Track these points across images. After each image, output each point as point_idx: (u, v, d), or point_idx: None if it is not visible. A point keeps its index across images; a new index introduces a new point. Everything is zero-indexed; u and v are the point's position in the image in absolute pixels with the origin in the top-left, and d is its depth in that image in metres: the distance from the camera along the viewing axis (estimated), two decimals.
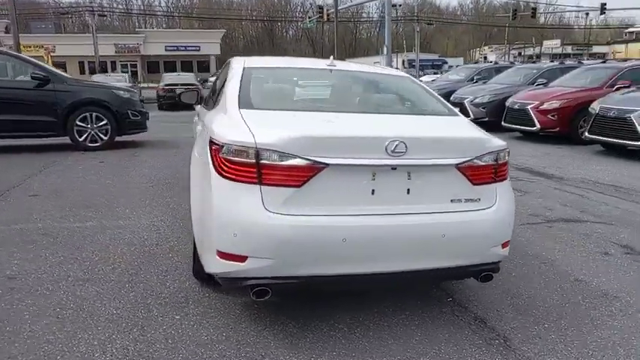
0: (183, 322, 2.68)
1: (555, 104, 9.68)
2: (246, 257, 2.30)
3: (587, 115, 8.77)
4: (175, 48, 50.59)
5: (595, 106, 8.44)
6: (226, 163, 2.34)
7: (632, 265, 3.66)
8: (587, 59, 52.13)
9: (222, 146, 2.36)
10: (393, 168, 2.35)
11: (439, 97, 3.28)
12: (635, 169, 7.31)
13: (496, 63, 16.87)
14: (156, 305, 2.86)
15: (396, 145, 2.31)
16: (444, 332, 2.67)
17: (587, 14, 53.76)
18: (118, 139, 8.62)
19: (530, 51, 60.97)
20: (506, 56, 64.65)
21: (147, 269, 3.38)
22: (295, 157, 2.26)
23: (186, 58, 51.23)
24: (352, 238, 2.29)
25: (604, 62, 12.67)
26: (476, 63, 68.54)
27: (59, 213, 4.62)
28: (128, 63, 48.38)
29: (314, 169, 2.27)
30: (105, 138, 8.42)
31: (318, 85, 3.38)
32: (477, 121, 8.28)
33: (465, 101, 11.71)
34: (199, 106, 4.94)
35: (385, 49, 28.03)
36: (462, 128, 2.75)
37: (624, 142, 7.84)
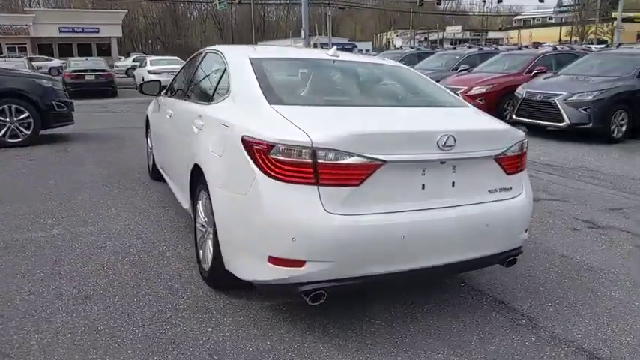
0: (219, 335, 2.50)
1: (482, 89, 10.31)
2: (305, 261, 2.20)
3: (512, 99, 9.47)
4: (71, 30, 46.22)
5: (521, 91, 9.13)
6: (278, 165, 2.21)
7: (600, 238, 4.04)
8: (485, 44, 55.88)
9: (273, 146, 2.21)
10: (442, 162, 2.36)
11: (442, 86, 3.35)
12: (560, 148, 8.03)
13: (481, 49, 14.88)
14: (179, 319, 2.64)
15: (447, 140, 2.32)
16: (473, 318, 2.77)
17: (484, 1, 57.67)
18: (42, 132, 7.76)
19: (434, 36, 64.19)
20: (412, 41, 67.56)
21: (148, 279, 3.10)
22: (353, 155, 2.19)
23: (83, 40, 47.03)
24: (410, 235, 2.28)
25: (519, 49, 13.67)
26: (387, 48, 70.78)
27: (13, 222, 4.08)
28: (16, 46, 43.41)
29: (372, 166, 2.22)
30: (27, 132, 7.54)
31: (333, 78, 3.27)
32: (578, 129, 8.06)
33: (557, 99, 8.37)
34: (164, 97, 4.60)
35: (302, 32, 27.98)
36: (490, 120, 2.82)
37: (549, 123, 8.58)
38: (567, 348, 2.48)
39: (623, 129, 8.32)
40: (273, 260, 2.24)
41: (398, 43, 74.26)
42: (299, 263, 2.21)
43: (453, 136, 2.34)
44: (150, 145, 5.64)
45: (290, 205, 2.20)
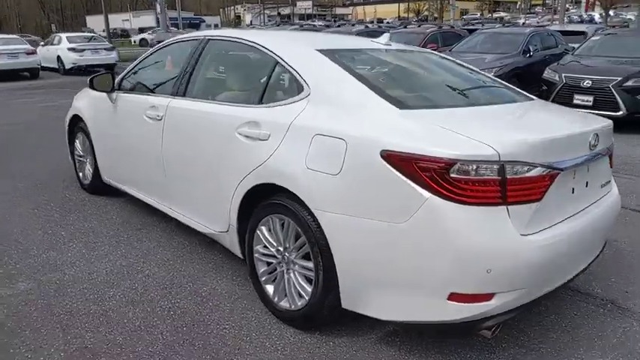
0: None
1: None
2: (494, 294, 1.89)
3: None
4: None
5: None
6: (459, 184, 1.83)
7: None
8: (334, 20, 57.63)
9: (453, 164, 1.82)
10: (587, 162, 2.22)
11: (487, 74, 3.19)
12: None
13: (440, 27, 13.62)
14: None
15: (595, 139, 2.19)
16: (564, 308, 2.73)
17: None
18: None
19: (287, 11, 64.37)
20: (261, 16, 66.92)
21: (215, 331, 2.45)
22: (537, 166, 1.91)
23: None
24: (573, 244, 2.11)
25: (405, 27, 14.28)
26: (238, 23, 68.70)
27: None
28: None
29: (552, 176, 1.97)
30: None
31: (413, 72, 2.84)
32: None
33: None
34: (127, 93, 3.72)
35: (158, 6, 25.67)
36: (587, 114, 2.71)
37: None
38: None
39: None
40: (457, 297, 1.88)
41: (248, 18, 73.01)
42: (487, 297, 1.89)
43: (597, 135, 2.22)
44: (80, 153, 4.56)
45: (480, 230, 1.84)
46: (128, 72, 3.85)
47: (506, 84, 3.01)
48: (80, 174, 4.65)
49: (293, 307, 2.44)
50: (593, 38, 9.34)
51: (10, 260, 3.19)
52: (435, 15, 62.13)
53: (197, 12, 74.02)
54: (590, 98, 7.67)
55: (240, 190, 2.59)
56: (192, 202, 3.09)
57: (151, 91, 3.57)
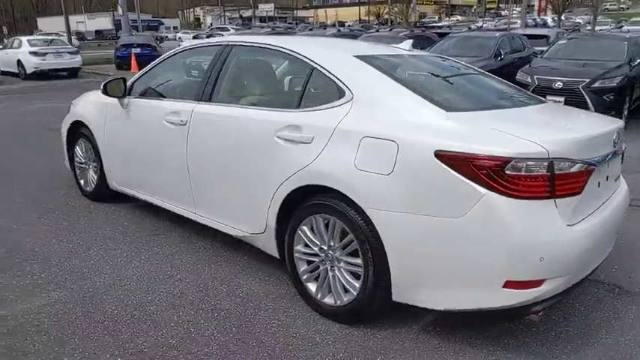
0: None
1: None
2: (543, 280, 2.06)
3: None
4: None
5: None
6: (514, 180, 1.98)
7: None
8: (296, 23, 57.78)
9: (508, 161, 1.98)
10: (610, 158, 2.43)
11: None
12: None
13: (412, 31, 13.55)
14: None
15: (618, 137, 2.40)
16: (577, 294, 2.92)
17: None
18: None
19: (248, 13, 64.00)
20: (222, 19, 66.28)
21: (263, 330, 2.51)
22: (577, 162, 2.09)
23: None
24: (603, 234, 2.31)
25: (377, 31, 14.53)
26: (198, 25, 67.64)
27: None
28: None
29: (589, 172, 2.16)
30: None
31: (442, 76, 2.97)
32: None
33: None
34: (140, 98, 3.72)
35: (120, 9, 24.98)
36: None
37: None
38: None
39: None
40: (511, 284, 2.03)
41: (208, 20, 72.13)
42: (537, 283, 2.05)
43: (619, 133, 2.43)
44: (82, 159, 4.48)
45: (533, 222, 2.00)
46: (139, 77, 3.84)
47: (518, 87, 3.22)
48: (81, 181, 4.57)
49: (339, 302, 2.54)
50: (559, 42, 9.88)
51: (33, 271, 3.13)
52: (398, 19, 63.17)
53: (155, 14, 72.54)
54: (562, 99, 8.00)
55: (282, 192, 2.66)
56: (221, 206, 3.13)
57: (170, 96, 3.58)
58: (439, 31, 15.07)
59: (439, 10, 66.21)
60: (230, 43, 3.24)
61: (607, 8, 55.07)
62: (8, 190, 4.77)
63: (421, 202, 2.16)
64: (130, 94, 3.81)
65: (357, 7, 66.60)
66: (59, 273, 3.10)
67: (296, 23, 58.98)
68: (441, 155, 2.09)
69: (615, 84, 7.80)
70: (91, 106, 4.28)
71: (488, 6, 71.40)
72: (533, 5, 55.94)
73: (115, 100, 3.88)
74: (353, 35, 13.17)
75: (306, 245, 2.67)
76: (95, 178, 4.35)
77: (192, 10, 75.46)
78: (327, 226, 2.54)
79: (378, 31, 15.13)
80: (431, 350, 2.37)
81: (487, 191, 2.01)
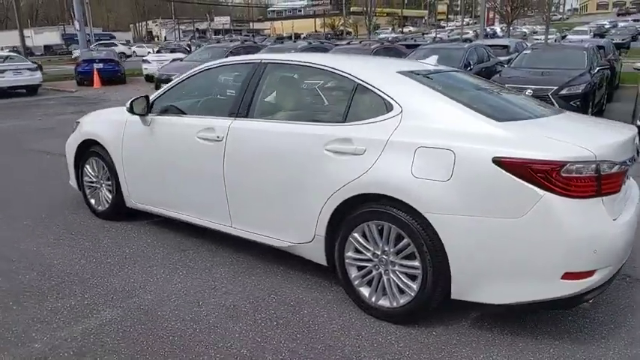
0: None
1: None
2: (595, 270, 2.29)
3: None
4: None
5: (158, 72, 10.91)
6: (568, 182, 2.21)
7: None
8: (253, 35, 57.61)
9: (563, 165, 2.21)
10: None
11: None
12: None
13: (382, 43, 14.01)
14: None
15: (638, 140, 2.69)
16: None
17: None
18: None
19: (203, 26, 63.47)
20: (176, 32, 65.45)
21: (327, 334, 2.61)
22: (616, 164, 2.35)
23: None
24: (633, 228, 2.57)
25: (348, 43, 14.85)
26: (152, 39, 66.40)
27: (28, 319, 2.77)
28: None
29: (624, 172, 2.42)
30: None
31: (470, 88, 3.17)
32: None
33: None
34: (166, 116, 3.76)
35: (77, 23, 24.29)
36: None
37: None
38: None
39: None
40: (569, 276, 2.25)
41: (162, 33, 71.00)
42: (591, 273, 2.28)
43: (638, 137, 2.73)
44: (92, 179, 4.44)
45: (587, 218, 2.24)
46: (161, 95, 3.88)
47: (533, 99, 3.51)
48: (92, 200, 4.52)
49: (395, 304, 2.69)
50: (524, 52, 10.51)
51: (75, 292, 3.11)
52: (350, 30, 64.33)
53: (105, 28, 70.68)
54: None
55: (333, 202, 2.80)
56: (261, 218, 3.22)
57: (199, 113, 3.64)
58: (406, 43, 15.60)
59: (392, 21, 68.05)
60: (264, 61, 3.35)
61: (550, 18, 58.29)
62: (13, 213, 4.64)
63: (481, 204, 2.35)
64: (150, 111, 3.85)
65: (313, 19, 67.48)
66: (102, 292, 3.09)
67: (253, 35, 59.03)
68: (500, 161, 2.30)
69: (580, 90, 8.39)
70: (105, 124, 4.26)
71: (438, 17, 74.10)
72: (481, 16, 58.44)
73: (134, 117, 3.90)
74: (324, 48, 13.43)
75: (357, 251, 2.81)
76: (110, 196, 4.32)
77: (145, 23, 74.01)
78: (380, 232, 2.70)
79: (349, 43, 15.48)
80: (487, 343, 2.56)
81: (545, 192, 2.23)
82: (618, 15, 61.96)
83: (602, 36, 30.30)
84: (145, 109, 3.79)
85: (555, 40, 27.70)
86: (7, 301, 2.98)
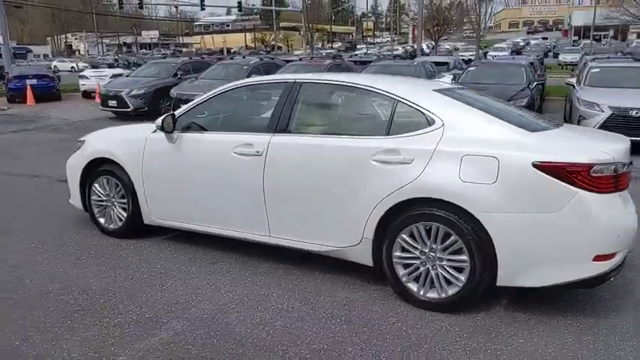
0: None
1: (142, 90, 12.50)
2: (616, 253, 2.78)
3: (167, 98, 11.98)
4: None
5: (173, 92, 11.70)
6: (596, 180, 2.69)
7: None
8: (179, 49, 56.24)
9: (592, 166, 2.68)
10: None
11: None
12: None
13: (335, 59, 15.32)
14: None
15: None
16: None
17: (176, 7, 58.33)
18: None
19: (129, 40, 61.33)
20: (99, 45, 62.80)
21: (387, 328, 2.90)
22: (626, 164, 2.87)
23: None
24: None
25: (300, 59, 15.22)
26: (72, 53, 63.06)
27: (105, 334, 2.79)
28: None
29: (629, 171, 2.95)
30: None
31: (489, 103, 3.59)
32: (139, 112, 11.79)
33: (122, 93, 12.35)
34: (196, 132, 3.90)
35: (1, 38, 22.76)
36: None
37: None
38: None
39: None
40: (599, 258, 2.72)
41: (82, 47, 67.72)
42: (612, 256, 2.76)
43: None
44: (102, 197, 4.41)
45: (612, 208, 2.74)
46: (185, 112, 3.98)
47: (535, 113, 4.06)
48: (101, 219, 4.48)
49: (443, 295, 3.04)
50: (469, 69, 11.53)
51: (129, 308, 3.14)
52: (280, 45, 64.98)
53: (19, 41, 66.20)
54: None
55: (382, 207, 3.11)
56: (304, 226, 3.45)
57: (232, 129, 3.82)
58: (357, 59, 16.29)
59: (322, 37, 69.66)
60: (298, 81, 3.61)
61: (467, 36, 62.59)
62: (15, 238, 4.47)
63: (523, 202, 2.77)
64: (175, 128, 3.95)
65: (243, 34, 67.51)
66: (158, 306, 3.16)
67: (180, 51, 57.98)
68: (539, 165, 2.74)
69: (524, 104, 9.21)
70: (121, 142, 4.28)
71: (365, 34, 76.99)
72: (407, 33, 61.52)
73: (156, 135, 4.00)
74: (276, 64, 13.74)
75: (404, 250, 3.13)
76: (124, 214, 4.32)
77: (64, 36, 70.12)
78: (427, 231, 3.04)
79: (301, 59, 15.90)
80: (524, 322, 2.97)
81: (578, 190, 2.70)
82: (528, 33, 68.01)
83: (518, 52, 33.21)
84: (170, 126, 3.90)
85: (479, 58, 29.92)
86: (64, 322, 2.98)
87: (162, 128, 3.87)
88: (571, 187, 2.71)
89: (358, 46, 60.37)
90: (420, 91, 3.35)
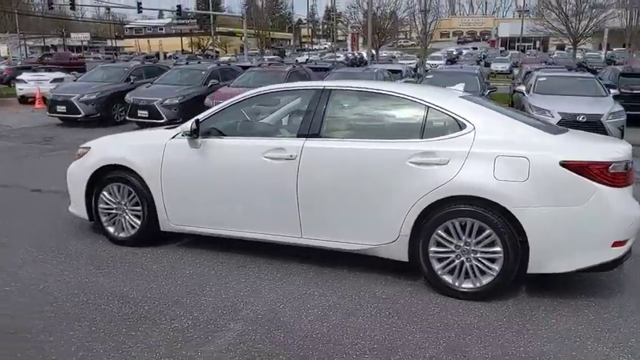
0: None
1: (93, 95, 12.08)
2: (627, 239, 3.19)
3: (122, 103, 11.87)
4: None
5: (129, 97, 11.53)
6: (613, 176, 3.09)
7: None
8: (115, 53, 54.15)
9: (610, 164, 3.08)
10: None
11: None
12: None
13: (294, 66, 14.64)
14: None
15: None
16: None
17: (108, 9, 55.69)
18: None
19: (56, 42, 57.91)
20: (22, 48, 58.81)
21: (434, 318, 3.13)
22: (631, 162, 3.30)
23: None
24: None
25: (259, 66, 15.20)
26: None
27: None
28: None
29: (633, 170, 3.39)
30: None
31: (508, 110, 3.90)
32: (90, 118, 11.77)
33: (73, 99, 11.93)
34: (225, 138, 3.95)
35: None
36: None
37: (155, 120, 10.65)
38: None
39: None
40: (616, 244, 3.11)
41: (2, 50, 63.10)
42: (626, 242, 3.17)
43: None
44: (112, 205, 4.31)
45: (624, 200, 3.15)
46: (206, 118, 4.01)
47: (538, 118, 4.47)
48: (110, 228, 4.37)
49: (478, 284, 3.32)
50: (426, 76, 12.27)
51: (178, 314, 3.14)
52: (217, 49, 64.08)
53: None
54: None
55: (420, 205, 3.34)
56: (338, 227, 3.61)
57: (259, 134, 3.92)
58: (315, 66, 16.54)
59: (260, 43, 69.47)
60: (327, 87, 3.77)
61: (402, 45, 65.02)
62: (14, 251, 4.25)
63: (552, 197, 3.12)
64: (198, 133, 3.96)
65: (179, 38, 65.92)
66: (209, 310, 3.19)
67: (115, 54, 55.53)
68: (566, 164, 3.09)
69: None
70: (135, 148, 4.23)
71: (302, 40, 77.65)
72: (344, 40, 62.83)
73: (176, 140, 4.01)
74: (232, 70, 13.71)
75: (440, 245, 3.38)
76: (137, 222, 4.25)
77: None
78: (462, 227, 3.31)
79: (260, 65, 15.91)
80: (549, 306, 3.30)
81: (599, 185, 3.08)
82: (458, 43, 71.84)
83: (453, 61, 35.02)
84: (195, 131, 3.91)
85: (417, 66, 31.30)
86: (120, 330, 2.94)
87: (190, 134, 3.87)
88: (593, 182, 3.09)
89: (286, 53, 60.87)
90: (449, 97, 3.63)
